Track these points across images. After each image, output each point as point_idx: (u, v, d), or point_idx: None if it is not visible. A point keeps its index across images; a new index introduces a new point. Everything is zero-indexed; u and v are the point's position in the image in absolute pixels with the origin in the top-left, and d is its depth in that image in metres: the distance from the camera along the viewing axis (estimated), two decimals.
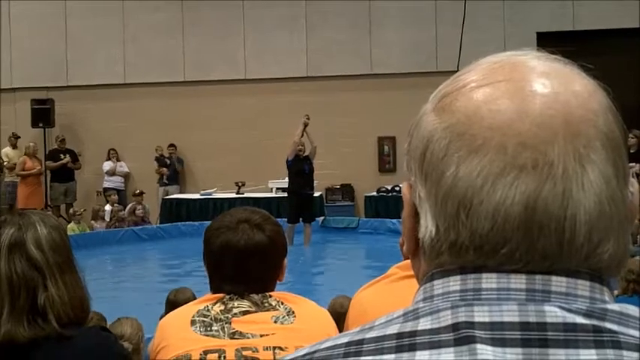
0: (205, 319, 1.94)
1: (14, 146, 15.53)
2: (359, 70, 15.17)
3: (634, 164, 12.37)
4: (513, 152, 0.65)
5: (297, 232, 12.02)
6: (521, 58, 0.71)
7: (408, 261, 0.77)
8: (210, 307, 1.97)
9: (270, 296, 2.00)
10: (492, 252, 0.65)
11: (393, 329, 0.66)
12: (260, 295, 1.99)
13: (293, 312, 1.98)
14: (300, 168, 12.02)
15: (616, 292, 5.76)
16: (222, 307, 1.97)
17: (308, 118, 12.20)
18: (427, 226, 0.69)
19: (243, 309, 1.96)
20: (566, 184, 0.64)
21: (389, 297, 1.96)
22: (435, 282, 0.69)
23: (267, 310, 1.97)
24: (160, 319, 5.31)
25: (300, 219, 12.06)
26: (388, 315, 0.68)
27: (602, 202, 0.65)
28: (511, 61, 0.71)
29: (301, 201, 11.98)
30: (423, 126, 0.71)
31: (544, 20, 14.50)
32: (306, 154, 12.14)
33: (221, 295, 2.00)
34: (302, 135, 12.13)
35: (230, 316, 1.95)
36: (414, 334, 0.64)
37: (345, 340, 0.67)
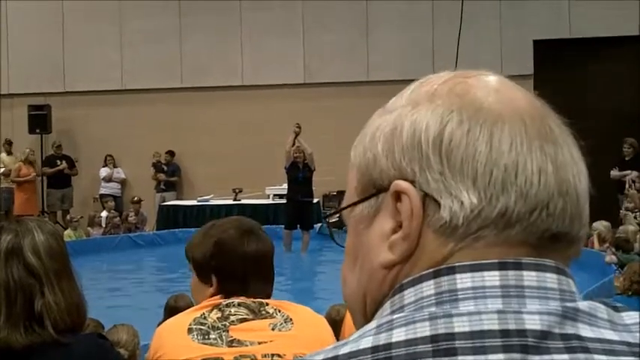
0: (202, 327, 1.94)
1: (9, 152, 15.51)
2: (355, 76, 15.19)
3: (629, 172, 12.39)
4: (530, 122, 0.71)
5: (296, 238, 12.03)
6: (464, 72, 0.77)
7: None
8: (206, 314, 1.97)
9: (267, 304, 2.01)
10: (539, 214, 0.69)
11: (366, 343, 0.65)
12: (257, 302, 2.00)
13: (290, 319, 1.98)
14: (295, 175, 12.06)
15: (616, 291, 5.75)
16: (219, 315, 1.96)
17: (298, 127, 12.21)
18: (462, 202, 0.68)
19: (241, 316, 1.96)
20: (568, 150, 0.72)
21: None
22: (406, 292, 0.69)
23: (265, 318, 1.97)
24: (158, 325, 5.30)
25: (298, 226, 12.08)
26: (362, 328, 0.68)
27: (583, 171, 0.73)
28: (456, 73, 0.76)
29: (297, 208, 11.99)
30: (419, 117, 0.72)
31: (541, 27, 14.53)
32: (306, 161, 12.14)
33: (217, 301, 2.00)
34: (293, 144, 12.13)
35: (228, 324, 1.94)
36: (389, 346, 0.64)
37: (319, 357, 0.67)
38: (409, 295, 0.68)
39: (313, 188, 12.51)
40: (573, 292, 0.69)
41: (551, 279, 0.68)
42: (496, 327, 0.63)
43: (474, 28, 13.73)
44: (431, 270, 0.68)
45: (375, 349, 0.64)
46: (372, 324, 0.67)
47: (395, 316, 0.66)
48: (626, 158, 12.72)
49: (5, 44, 16.07)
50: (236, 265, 2.04)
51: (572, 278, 0.71)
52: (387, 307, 0.70)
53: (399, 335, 0.64)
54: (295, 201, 12.00)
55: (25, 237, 1.84)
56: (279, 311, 2.00)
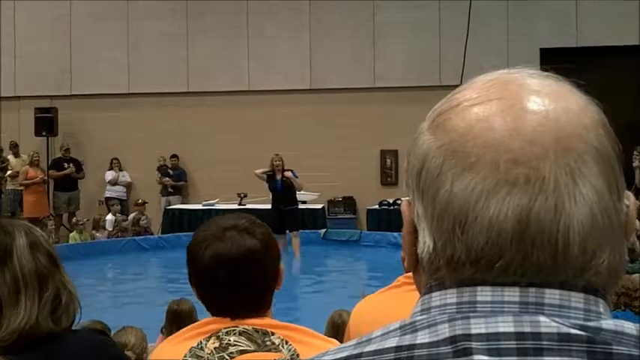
0: None
1: (16, 155, 15.55)
2: (362, 83, 15.20)
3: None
4: (505, 169, 0.66)
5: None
6: (514, 76, 0.72)
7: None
8: (204, 344, 1.75)
9: (273, 333, 1.76)
10: (488, 266, 0.67)
11: (391, 342, 0.67)
12: (261, 331, 1.76)
13: (298, 355, 1.74)
14: (273, 186, 12.11)
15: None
16: (217, 344, 1.74)
17: (280, 160, 12.13)
18: (425, 242, 0.70)
19: (241, 348, 1.73)
20: (558, 197, 0.66)
21: (387, 309, 1.90)
22: (434, 294, 0.70)
23: (269, 351, 1.74)
24: (161, 329, 5.31)
25: (287, 231, 11.99)
26: (385, 327, 0.69)
27: (595, 214, 0.66)
28: (504, 80, 0.72)
29: (280, 215, 11.91)
30: (419, 145, 0.73)
31: (548, 36, 14.52)
32: (284, 171, 12.05)
33: (217, 327, 1.77)
34: (264, 174, 12.13)
35: (226, 356, 1.72)
36: (412, 347, 0.65)
37: (343, 354, 0.69)
38: (436, 298, 0.70)
39: (299, 192, 12.41)
40: (600, 313, 0.67)
41: (576, 298, 0.66)
42: (511, 329, 0.64)
43: (481, 36, 13.73)
44: (456, 280, 0.69)
45: (398, 349, 0.66)
46: (396, 324, 0.69)
47: (418, 318, 0.68)
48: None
49: (12, 47, 16.13)
50: (207, 273, 1.79)
51: (603, 299, 0.68)
52: (419, 304, 0.72)
53: (423, 337, 0.66)
54: (276, 209, 12.02)
55: (33, 232, 1.86)
56: (287, 343, 1.75)
